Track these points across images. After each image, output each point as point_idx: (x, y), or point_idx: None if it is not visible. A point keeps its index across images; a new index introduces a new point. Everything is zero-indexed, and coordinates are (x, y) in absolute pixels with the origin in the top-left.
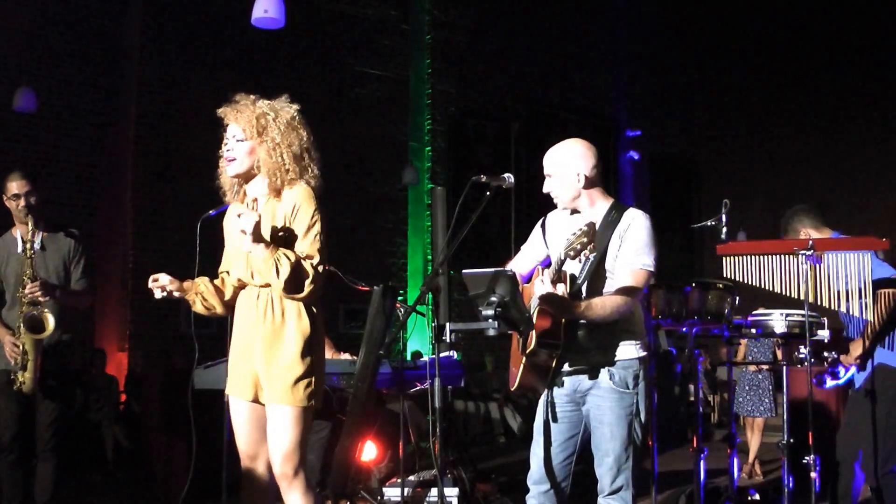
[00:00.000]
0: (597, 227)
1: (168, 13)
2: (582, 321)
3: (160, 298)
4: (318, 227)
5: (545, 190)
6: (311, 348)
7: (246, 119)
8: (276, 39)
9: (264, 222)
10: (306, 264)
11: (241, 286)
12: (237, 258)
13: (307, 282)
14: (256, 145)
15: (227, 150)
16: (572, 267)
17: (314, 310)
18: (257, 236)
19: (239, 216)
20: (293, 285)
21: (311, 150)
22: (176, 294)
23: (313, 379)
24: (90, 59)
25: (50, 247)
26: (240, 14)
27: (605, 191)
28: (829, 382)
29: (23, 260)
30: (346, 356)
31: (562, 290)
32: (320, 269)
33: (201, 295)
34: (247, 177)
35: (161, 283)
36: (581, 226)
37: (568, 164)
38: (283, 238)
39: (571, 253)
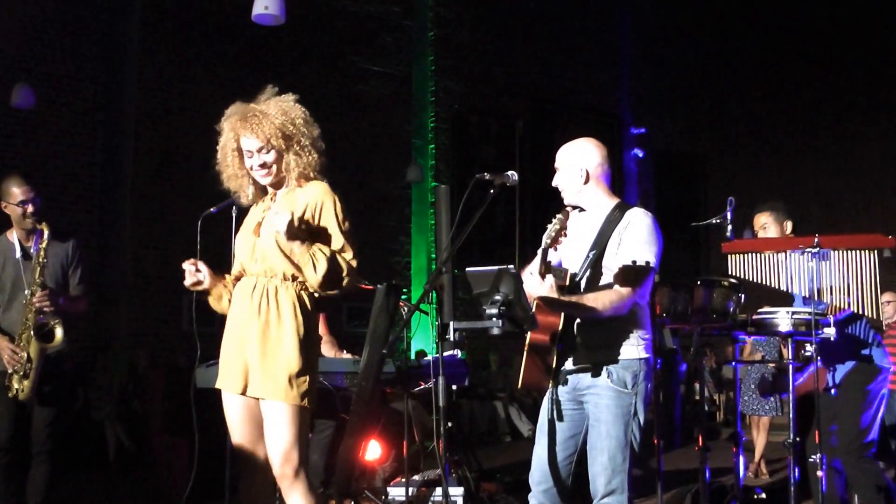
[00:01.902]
0: (599, 224)
1: (167, 9)
2: (581, 322)
3: (190, 285)
4: (347, 222)
5: (553, 183)
6: (307, 345)
7: (267, 133)
8: (278, 36)
9: (284, 211)
10: (340, 258)
11: (240, 276)
12: (243, 245)
13: (343, 275)
14: (283, 152)
15: (260, 165)
16: (573, 264)
17: (310, 306)
18: (292, 234)
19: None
20: (330, 280)
21: (321, 147)
22: (207, 284)
23: (308, 377)
24: (89, 56)
25: (49, 251)
26: (240, 11)
27: (613, 190)
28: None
29: (33, 267)
30: (347, 355)
31: (550, 281)
32: (354, 263)
33: (229, 291)
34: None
35: (202, 274)
36: (559, 215)
37: (573, 159)
38: (305, 232)
39: (548, 241)
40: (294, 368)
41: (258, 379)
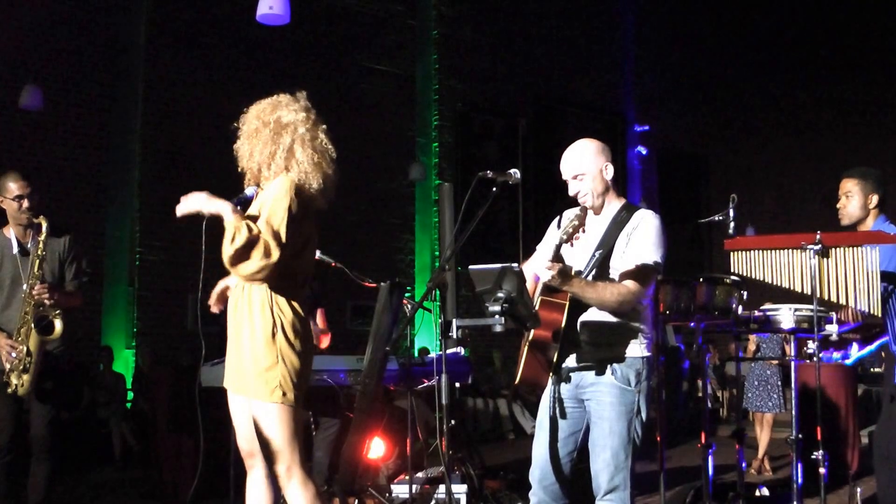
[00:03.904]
0: (606, 225)
1: (173, 10)
2: (584, 319)
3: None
4: (286, 215)
5: (573, 191)
6: (276, 342)
7: (247, 117)
8: (282, 36)
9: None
10: (262, 240)
11: None
12: None
13: (254, 255)
14: (252, 139)
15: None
16: (578, 263)
17: (284, 304)
18: (207, 204)
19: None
20: (239, 257)
21: (297, 150)
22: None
23: (279, 373)
24: (96, 57)
25: (47, 246)
26: (245, 11)
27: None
28: (835, 355)
29: (32, 261)
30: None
31: (559, 265)
32: (274, 252)
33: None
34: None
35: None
36: (577, 211)
37: (594, 160)
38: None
39: (564, 237)
40: (260, 365)
41: (233, 376)
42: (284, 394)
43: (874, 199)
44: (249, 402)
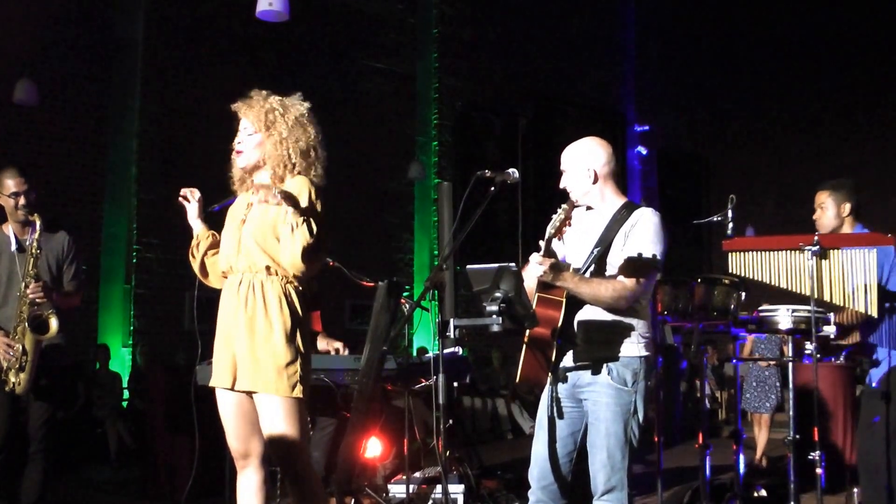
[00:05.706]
0: (605, 222)
1: (171, 5)
2: (581, 318)
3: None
4: (321, 210)
5: (561, 185)
6: (294, 337)
7: (255, 113)
8: (281, 33)
9: (262, 211)
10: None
11: (225, 275)
12: (229, 242)
13: (321, 248)
14: (265, 139)
15: (238, 143)
16: (577, 260)
17: (296, 299)
18: (286, 200)
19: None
20: (313, 249)
21: (317, 147)
22: (194, 214)
23: (298, 367)
24: (92, 52)
25: (44, 245)
26: (244, 7)
27: (619, 188)
28: None
29: (27, 258)
30: (337, 344)
31: (550, 260)
32: (327, 245)
33: (201, 242)
34: (255, 169)
35: (197, 198)
36: (564, 205)
37: (579, 160)
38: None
39: (552, 231)
40: (281, 360)
41: (246, 372)
42: (303, 389)
43: (847, 207)
44: (256, 398)
